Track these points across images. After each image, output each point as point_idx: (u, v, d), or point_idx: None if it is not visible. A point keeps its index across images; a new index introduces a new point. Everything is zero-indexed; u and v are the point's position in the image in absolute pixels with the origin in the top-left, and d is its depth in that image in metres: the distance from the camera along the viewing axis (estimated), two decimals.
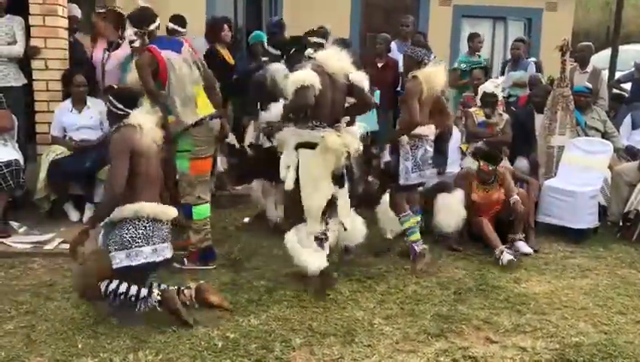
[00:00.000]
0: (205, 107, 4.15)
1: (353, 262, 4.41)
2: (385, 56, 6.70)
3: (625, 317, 3.67)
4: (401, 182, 4.30)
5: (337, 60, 3.81)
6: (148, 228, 3.26)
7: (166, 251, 3.38)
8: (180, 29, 5.40)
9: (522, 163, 5.93)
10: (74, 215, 5.12)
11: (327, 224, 3.94)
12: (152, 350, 3.07)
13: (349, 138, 3.84)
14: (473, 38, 7.38)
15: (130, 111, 3.38)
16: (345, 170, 3.88)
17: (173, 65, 3.98)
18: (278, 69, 4.83)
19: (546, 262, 4.66)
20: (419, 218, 4.57)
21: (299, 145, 3.80)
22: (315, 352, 3.12)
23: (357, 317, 3.52)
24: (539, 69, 7.35)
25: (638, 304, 3.87)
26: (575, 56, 6.84)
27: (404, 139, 4.27)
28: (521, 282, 4.19)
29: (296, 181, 3.82)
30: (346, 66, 3.84)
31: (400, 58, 7.08)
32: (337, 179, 3.84)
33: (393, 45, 7.22)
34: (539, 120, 5.97)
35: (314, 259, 3.79)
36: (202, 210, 4.24)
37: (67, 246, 4.41)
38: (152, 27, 4.07)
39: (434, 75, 4.22)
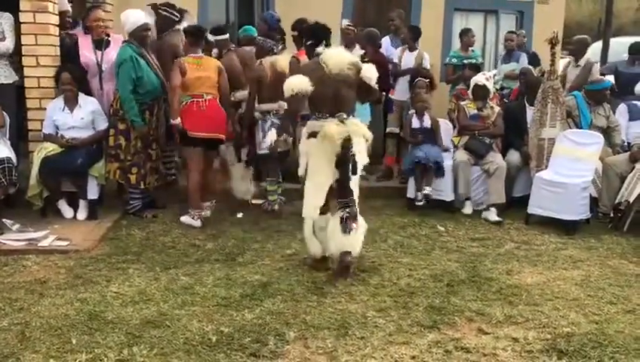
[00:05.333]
0: None
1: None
2: (372, 51, 6.68)
3: (615, 306, 3.70)
4: (258, 152, 5.37)
5: (341, 58, 4.07)
6: None
7: None
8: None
9: (514, 155, 5.97)
10: (68, 212, 5.12)
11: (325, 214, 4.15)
12: (147, 345, 3.08)
13: (353, 127, 4.03)
14: (466, 33, 7.37)
15: None
16: (350, 156, 4.01)
17: None
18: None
19: (538, 253, 4.70)
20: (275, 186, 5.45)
21: (309, 135, 4.10)
22: (309, 345, 3.14)
23: (350, 310, 3.54)
24: (537, 60, 7.35)
25: (629, 294, 3.90)
26: (570, 49, 6.86)
27: (256, 114, 5.29)
28: (513, 273, 4.23)
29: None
30: (352, 62, 4.11)
31: (392, 52, 7.14)
32: (341, 165, 4.01)
33: (386, 40, 7.23)
34: (531, 112, 5.99)
35: (315, 247, 4.20)
36: None
37: (61, 243, 4.48)
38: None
39: (278, 62, 5.19)
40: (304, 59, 4.91)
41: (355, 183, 4.10)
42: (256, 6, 8.39)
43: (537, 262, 4.48)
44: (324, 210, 4.13)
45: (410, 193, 5.85)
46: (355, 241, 4.06)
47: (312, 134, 4.06)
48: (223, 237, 4.90)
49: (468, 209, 5.78)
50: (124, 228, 5.04)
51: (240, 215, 5.52)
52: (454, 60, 7.20)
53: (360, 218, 4.13)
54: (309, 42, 4.46)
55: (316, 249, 4.20)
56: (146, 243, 4.69)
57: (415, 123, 5.98)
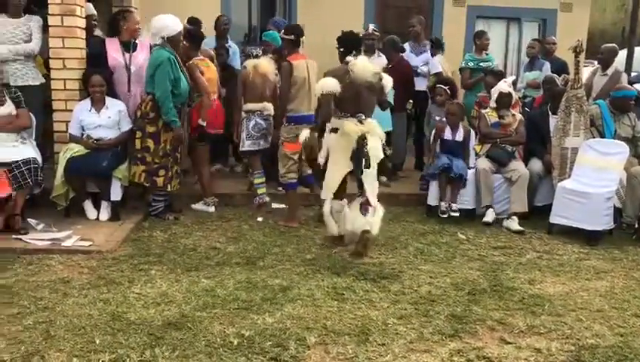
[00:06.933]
0: None
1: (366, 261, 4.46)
2: (395, 57, 6.68)
3: None
4: (240, 148, 5.78)
5: (366, 68, 4.64)
6: None
7: None
8: None
9: (536, 164, 5.92)
10: (91, 213, 5.17)
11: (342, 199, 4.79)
12: (169, 347, 3.09)
13: (369, 127, 4.62)
14: (480, 35, 7.33)
15: None
16: (364, 152, 4.53)
17: None
18: None
19: (561, 263, 4.65)
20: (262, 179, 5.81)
21: (331, 130, 4.70)
22: (330, 351, 3.13)
23: (371, 317, 3.53)
24: (566, 69, 7.27)
25: None
26: (598, 57, 6.78)
27: (242, 114, 5.64)
28: (535, 283, 4.19)
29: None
30: (376, 72, 4.69)
31: (413, 59, 7.13)
32: (355, 160, 4.56)
33: (406, 47, 7.23)
34: (554, 121, 5.94)
35: (332, 227, 4.80)
36: None
37: (84, 243, 4.53)
38: None
39: (259, 65, 5.63)
40: (297, 63, 5.26)
41: (372, 176, 4.70)
42: (279, 11, 8.45)
43: (560, 272, 4.44)
44: (339, 196, 4.77)
45: (431, 200, 5.82)
46: (373, 222, 4.66)
47: (334, 130, 4.68)
48: (243, 240, 4.92)
49: (489, 217, 5.73)
50: (146, 229, 5.09)
51: (260, 219, 5.55)
52: (470, 64, 7.17)
53: (377, 203, 4.72)
54: (340, 49, 4.90)
55: (333, 228, 4.80)
56: (167, 245, 4.73)
57: (447, 134, 5.89)
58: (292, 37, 5.35)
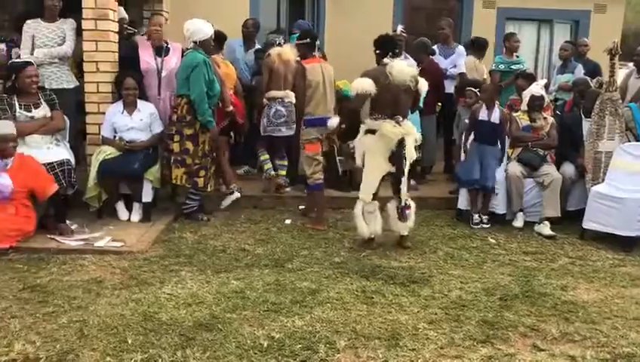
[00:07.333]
0: None
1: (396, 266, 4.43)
2: (425, 59, 6.64)
3: None
4: (261, 133, 5.85)
5: (404, 71, 4.69)
6: None
7: None
8: None
9: (569, 168, 5.81)
10: (123, 214, 5.25)
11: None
12: (200, 347, 3.12)
13: (406, 129, 4.69)
14: (509, 38, 7.26)
15: None
16: (404, 154, 4.67)
17: None
18: None
19: (595, 269, 4.55)
20: (285, 162, 6.14)
21: (366, 132, 4.74)
22: (360, 355, 3.12)
23: (401, 321, 3.51)
24: (599, 71, 7.13)
25: None
26: (634, 59, 6.63)
27: (264, 101, 5.76)
28: (568, 289, 4.11)
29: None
30: (413, 75, 4.77)
31: (441, 61, 7.08)
32: (394, 160, 4.67)
33: (435, 48, 7.18)
34: (587, 125, 5.83)
35: (364, 228, 4.80)
36: None
37: (116, 244, 4.60)
38: None
39: (283, 53, 5.61)
40: (311, 66, 5.44)
41: (405, 177, 4.80)
42: (307, 13, 8.47)
43: (594, 279, 4.35)
44: (374, 197, 4.81)
45: (461, 204, 5.77)
46: (409, 225, 4.87)
47: (370, 131, 4.73)
48: (271, 242, 4.94)
49: (519, 222, 5.65)
50: (176, 231, 5.14)
51: (288, 221, 5.56)
52: (501, 67, 7.10)
53: (412, 203, 4.88)
54: (377, 51, 4.90)
55: (364, 230, 4.79)
56: (197, 246, 4.77)
57: (483, 114, 5.73)
58: (307, 40, 5.51)
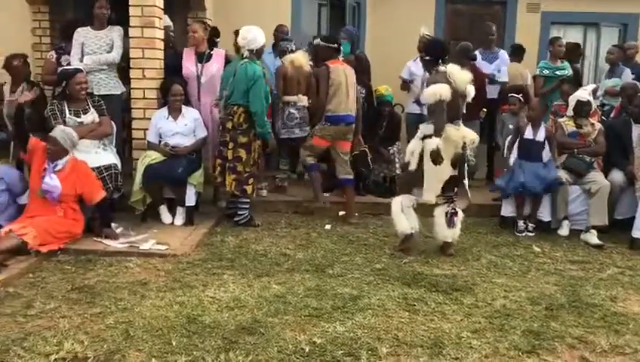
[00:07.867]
0: None
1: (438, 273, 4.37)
2: (467, 64, 6.55)
3: None
4: (278, 136, 6.05)
5: (465, 76, 4.73)
6: None
7: None
8: None
9: (618, 175, 5.65)
10: (167, 217, 5.34)
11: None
12: (242, 351, 3.13)
13: (466, 132, 4.76)
14: (554, 42, 7.10)
15: None
16: (466, 157, 4.80)
17: None
18: None
19: None
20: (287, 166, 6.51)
21: (425, 136, 4.69)
22: None
23: (444, 330, 3.46)
24: None
25: None
26: None
27: (279, 104, 6.10)
28: (618, 300, 3.99)
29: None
30: (469, 79, 4.79)
31: (485, 66, 6.99)
32: (456, 164, 4.73)
33: (477, 53, 7.09)
34: (637, 130, 5.66)
35: (403, 223, 4.80)
36: None
37: (160, 247, 4.68)
38: None
39: (295, 59, 5.95)
40: (335, 67, 5.67)
41: (466, 180, 4.90)
42: (348, 19, 8.47)
43: None
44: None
45: (505, 211, 5.67)
46: (456, 232, 4.86)
47: (428, 136, 4.68)
48: (312, 247, 4.95)
49: (565, 230, 5.52)
50: (218, 234, 5.20)
51: (328, 226, 5.57)
52: (546, 72, 6.95)
53: (460, 210, 4.87)
54: (426, 57, 4.92)
55: (404, 226, 4.81)
56: (239, 250, 4.81)
57: (528, 133, 5.65)
58: (335, 45, 5.79)
